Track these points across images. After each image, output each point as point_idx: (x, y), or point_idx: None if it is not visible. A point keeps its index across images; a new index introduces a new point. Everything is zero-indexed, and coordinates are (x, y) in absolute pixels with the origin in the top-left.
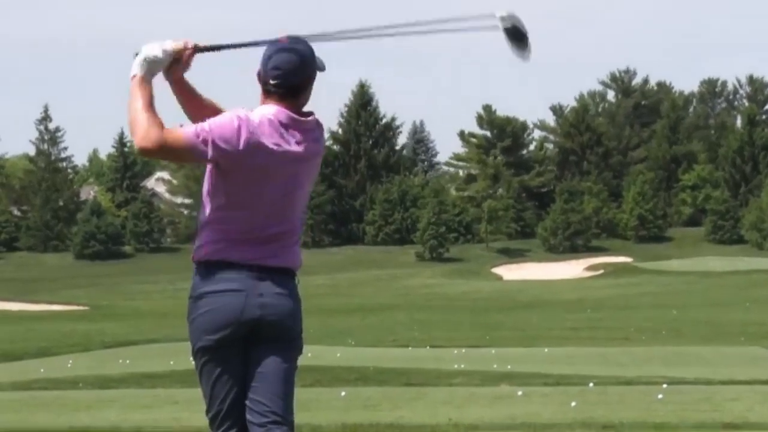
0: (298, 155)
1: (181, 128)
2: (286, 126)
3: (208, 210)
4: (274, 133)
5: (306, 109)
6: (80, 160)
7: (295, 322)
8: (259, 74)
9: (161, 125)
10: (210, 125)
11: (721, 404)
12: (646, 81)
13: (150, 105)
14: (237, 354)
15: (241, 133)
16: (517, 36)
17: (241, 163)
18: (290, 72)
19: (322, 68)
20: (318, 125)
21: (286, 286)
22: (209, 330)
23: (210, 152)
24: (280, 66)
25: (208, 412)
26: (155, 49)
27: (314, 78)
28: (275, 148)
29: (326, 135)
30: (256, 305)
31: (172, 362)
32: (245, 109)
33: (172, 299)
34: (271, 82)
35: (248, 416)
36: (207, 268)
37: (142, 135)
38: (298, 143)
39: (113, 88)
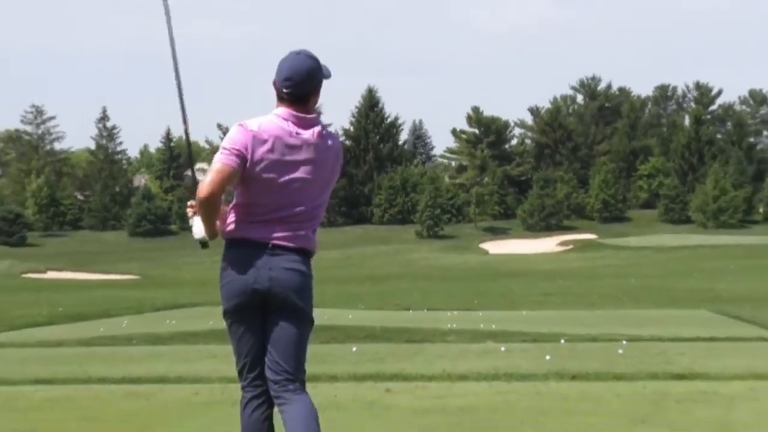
0: (306, 147)
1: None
2: (292, 123)
3: (235, 195)
4: (279, 130)
5: (326, 109)
6: (133, 153)
7: (301, 297)
8: (274, 83)
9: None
10: (223, 145)
11: (671, 358)
12: (609, 86)
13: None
14: (255, 318)
15: (251, 132)
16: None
17: (257, 155)
18: (300, 82)
19: (328, 76)
20: (323, 127)
21: (296, 263)
22: (229, 297)
23: (237, 160)
24: (291, 77)
25: (236, 365)
26: (198, 232)
27: (321, 86)
28: (279, 140)
29: (340, 131)
30: (265, 278)
31: (210, 322)
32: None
33: (211, 270)
34: (285, 90)
35: (266, 373)
36: (231, 244)
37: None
38: (302, 138)
39: (161, 92)
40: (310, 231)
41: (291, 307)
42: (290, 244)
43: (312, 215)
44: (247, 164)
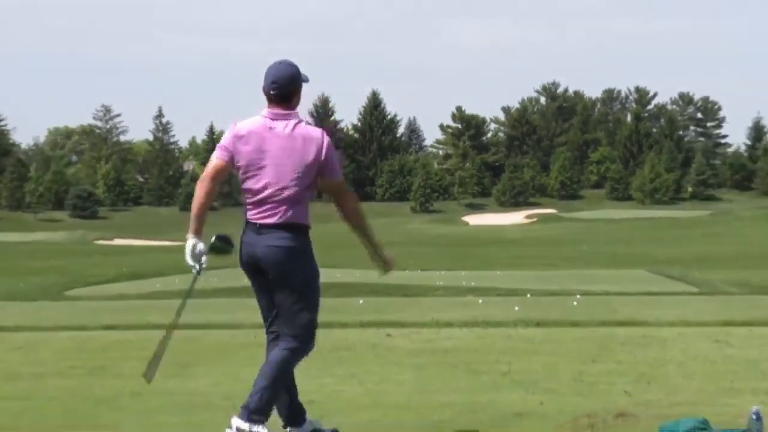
0: (277, 137)
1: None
2: (269, 119)
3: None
4: (263, 126)
5: (338, 108)
6: (183, 143)
7: (288, 266)
8: (263, 88)
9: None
10: (218, 145)
11: (617, 308)
12: (566, 90)
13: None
14: (262, 282)
15: (234, 132)
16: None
17: (239, 150)
18: (285, 84)
19: (306, 80)
20: (298, 122)
21: (280, 239)
22: (241, 266)
23: (226, 155)
24: (277, 80)
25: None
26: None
27: (301, 88)
28: (258, 135)
29: (349, 126)
30: (254, 254)
31: (245, 280)
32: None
33: None
34: (272, 92)
35: (276, 327)
36: (245, 224)
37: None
38: (279, 129)
39: (206, 95)
40: (295, 208)
41: (279, 277)
42: (273, 221)
43: (290, 195)
44: (234, 157)
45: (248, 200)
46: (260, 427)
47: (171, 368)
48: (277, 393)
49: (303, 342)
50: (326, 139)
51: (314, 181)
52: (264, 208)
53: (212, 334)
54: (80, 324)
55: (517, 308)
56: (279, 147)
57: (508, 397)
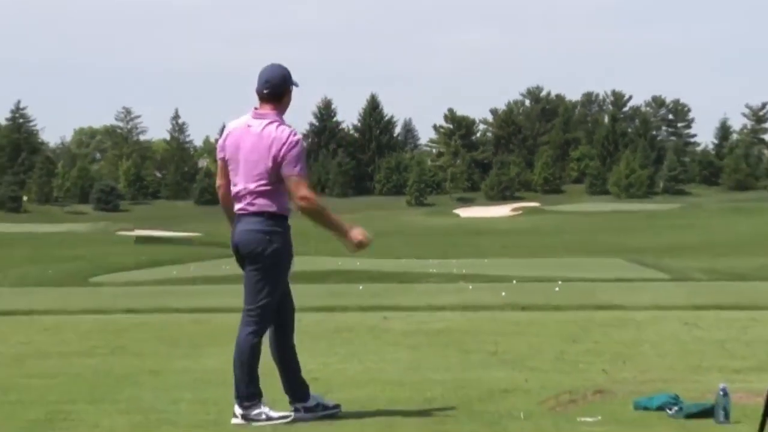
0: (249, 134)
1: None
2: (251, 117)
3: None
4: (242, 124)
5: (340, 110)
6: (198, 142)
7: (256, 248)
8: (257, 89)
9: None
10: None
11: (595, 294)
12: (548, 93)
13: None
14: (244, 266)
15: (225, 131)
16: None
17: (224, 146)
18: (277, 84)
19: (297, 85)
20: (279, 126)
21: (253, 224)
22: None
23: (220, 153)
24: (269, 80)
25: None
26: None
27: (291, 90)
28: (237, 132)
29: (350, 127)
30: (234, 239)
31: None
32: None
33: None
34: (264, 91)
35: None
36: None
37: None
38: (254, 128)
39: (218, 97)
40: (264, 198)
41: (251, 260)
42: (246, 210)
43: (258, 187)
44: (224, 153)
45: (233, 191)
46: (256, 408)
47: (186, 349)
48: (254, 373)
49: (260, 321)
50: (290, 139)
51: (279, 175)
52: (239, 198)
53: (224, 317)
54: (103, 307)
55: (503, 293)
56: (250, 143)
57: (496, 374)
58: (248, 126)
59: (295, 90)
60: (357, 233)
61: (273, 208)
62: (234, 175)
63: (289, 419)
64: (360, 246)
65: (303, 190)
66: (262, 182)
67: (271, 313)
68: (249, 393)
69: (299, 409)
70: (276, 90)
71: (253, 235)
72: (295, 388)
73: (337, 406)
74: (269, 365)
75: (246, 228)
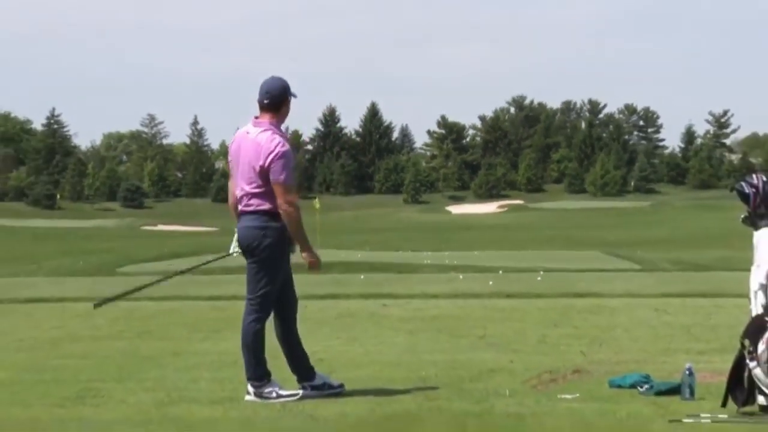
0: (247, 141)
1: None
2: (251, 125)
3: None
4: (244, 131)
5: (343, 117)
6: (215, 145)
7: (254, 242)
8: (258, 99)
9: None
10: None
11: (574, 283)
12: (531, 101)
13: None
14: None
15: (232, 138)
16: None
17: (230, 151)
18: (277, 95)
19: (295, 96)
20: (271, 135)
21: (252, 221)
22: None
23: (229, 157)
24: (270, 90)
25: None
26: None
27: (290, 100)
28: (239, 139)
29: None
30: (239, 235)
31: None
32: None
33: None
34: (265, 101)
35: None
36: None
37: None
38: (251, 135)
39: (234, 104)
40: (259, 198)
41: (250, 253)
42: (245, 209)
43: (253, 188)
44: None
45: (236, 193)
46: (267, 387)
47: (205, 333)
48: (261, 356)
49: (260, 309)
50: (277, 149)
51: (268, 178)
52: (240, 199)
53: (239, 304)
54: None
55: (491, 283)
56: (246, 149)
57: (484, 356)
58: (247, 133)
59: (297, 100)
60: (313, 258)
61: (267, 206)
62: (236, 177)
63: (297, 396)
64: (311, 267)
65: (286, 197)
66: (255, 184)
67: (272, 302)
68: (258, 374)
69: (306, 387)
70: (275, 100)
71: (251, 231)
72: (301, 369)
73: (341, 385)
74: (277, 348)
75: (245, 225)
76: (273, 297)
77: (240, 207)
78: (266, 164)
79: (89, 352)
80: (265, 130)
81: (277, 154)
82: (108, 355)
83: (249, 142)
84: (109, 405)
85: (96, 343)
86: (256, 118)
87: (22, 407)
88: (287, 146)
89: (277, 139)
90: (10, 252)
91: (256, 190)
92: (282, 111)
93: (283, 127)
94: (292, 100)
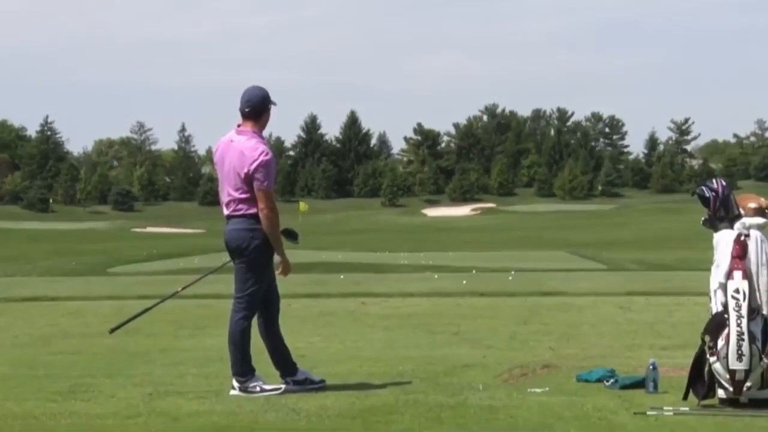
0: (231, 148)
1: None
2: (234, 133)
3: None
4: (227, 139)
5: (324, 124)
6: (201, 151)
7: (240, 245)
8: (240, 108)
9: None
10: None
11: (543, 281)
12: (503, 110)
13: None
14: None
15: (215, 146)
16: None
17: (215, 159)
18: (257, 103)
19: (275, 104)
20: (254, 142)
21: (236, 224)
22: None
23: (215, 164)
24: (250, 99)
25: None
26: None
27: (269, 108)
28: (223, 146)
29: (332, 139)
30: (225, 238)
31: None
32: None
33: None
34: (246, 109)
35: None
36: None
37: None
38: (235, 142)
39: (221, 112)
40: (243, 203)
41: (238, 254)
42: (230, 213)
43: (237, 194)
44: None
45: (222, 199)
46: (251, 382)
47: (191, 330)
48: (247, 352)
49: (247, 307)
50: (259, 158)
51: (251, 184)
52: (227, 204)
53: (224, 303)
54: (119, 294)
55: (464, 282)
56: (231, 156)
57: (458, 351)
58: (231, 141)
59: (280, 108)
60: (285, 265)
61: (253, 210)
62: (222, 183)
63: (280, 391)
64: (285, 271)
65: (266, 202)
66: (241, 190)
67: (258, 300)
68: (243, 370)
69: (289, 382)
70: (255, 108)
71: (238, 233)
72: (284, 365)
73: (322, 381)
74: (262, 344)
75: (232, 227)
76: (260, 296)
77: (227, 211)
78: (250, 171)
79: (80, 349)
80: (249, 138)
81: (261, 162)
82: (98, 352)
83: (233, 150)
84: (100, 399)
85: (87, 340)
86: (239, 125)
87: (16, 401)
88: (270, 155)
89: (261, 147)
90: (5, 253)
91: (243, 196)
92: (263, 119)
93: (265, 133)
94: (273, 108)
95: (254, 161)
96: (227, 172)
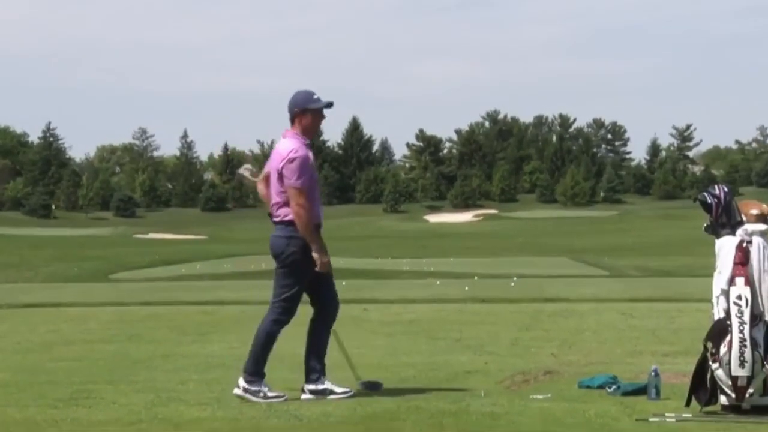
0: (273, 152)
1: None
2: (282, 137)
3: None
4: (278, 143)
5: (326, 130)
6: (203, 158)
7: (278, 252)
8: None
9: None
10: None
11: (544, 287)
12: (505, 116)
13: None
14: None
15: None
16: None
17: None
18: (290, 107)
19: (312, 108)
20: (288, 142)
21: (277, 231)
22: None
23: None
24: (289, 104)
25: None
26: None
27: (307, 111)
28: (274, 150)
29: (335, 145)
30: (270, 242)
31: (252, 266)
32: None
33: (257, 231)
34: (288, 113)
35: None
36: None
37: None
38: (277, 146)
39: (221, 118)
40: (284, 208)
41: (276, 260)
42: (276, 219)
43: (279, 197)
44: None
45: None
46: (257, 385)
47: (193, 336)
48: (265, 356)
49: (282, 313)
50: (288, 155)
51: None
52: (271, 207)
53: (226, 309)
54: (121, 300)
55: (466, 288)
56: (272, 159)
57: (460, 358)
58: (277, 144)
59: (285, 114)
60: (323, 260)
61: (291, 216)
62: (270, 188)
63: (282, 398)
64: (324, 267)
65: (295, 199)
66: (280, 192)
67: (294, 307)
68: (254, 370)
69: (304, 391)
70: (290, 111)
71: (276, 240)
72: (308, 368)
73: (347, 391)
74: (281, 353)
75: (273, 234)
76: (296, 303)
77: (272, 216)
78: (281, 170)
79: (82, 355)
80: (287, 140)
81: (288, 159)
82: (100, 358)
83: (274, 153)
84: (101, 406)
85: (88, 346)
86: (287, 130)
87: (18, 408)
88: (301, 152)
89: (292, 146)
90: (7, 259)
91: (280, 200)
92: (302, 121)
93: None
94: (326, 112)
95: (283, 159)
96: (272, 176)
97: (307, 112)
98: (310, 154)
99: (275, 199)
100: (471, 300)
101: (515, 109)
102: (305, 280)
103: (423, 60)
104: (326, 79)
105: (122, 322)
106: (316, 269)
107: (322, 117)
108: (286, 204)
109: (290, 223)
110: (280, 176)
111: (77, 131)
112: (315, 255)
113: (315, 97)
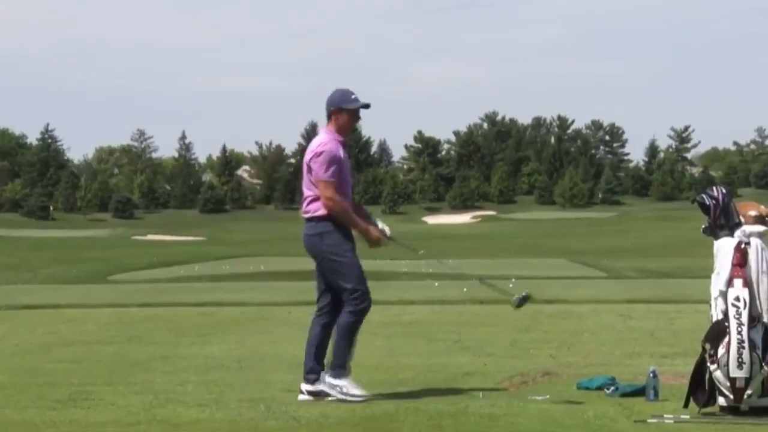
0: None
1: None
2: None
3: None
4: None
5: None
6: (202, 159)
7: (315, 250)
8: None
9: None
10: None
11: (543, 289)
12: (503, 117)
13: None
14: (316, 265)
15: None
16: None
17: None
18: (326, 107)
19: (346, 107)
20: (319, 137)
21: (307, 229)
22: None
23: None
24: (326, 102)
25: None
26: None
27: (341, 110)
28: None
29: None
30: (303, 241)
31: (251, 267)
32: None
33: (256, 232)
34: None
35: (321, 302)
36: None
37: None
38: (311, 143)
39: (219, 120)
40: (313, 204)
41: (316, 259)
42: (306, 216)
43: (308, 193)
44: None
45: None
46: (343, 380)
47: (192, 338)
48: (351, 348)
49: (355, 305)
50: (316, 149)
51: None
52: (301, 203)
53: (225, 310)
54: (120, 302)
55: (465, 290)
56: (306, 154)
57: (459, 359)
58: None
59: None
60: (374, 233)
61: (321, 212)
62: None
63: (365, 398)
64: (376, 243)
65: (327, 192)
66: (309, 186)
67: (365, 292)
68: (343, 363)
69: (303, 391)
70: (327, 111)
71: (309, 239)
72: (307, 368)
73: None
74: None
75: (305, 233)
76: (363, 287)
77: (302, 213)
78: (309, 164)
79: (81, 357)
80: (317, 136)
81: (316, 153)
82: (99, 360)
83: (307, 150)
84: (100, 407)
85: (87, 347)
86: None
87: (16, 409)
88: (328, 146)
89: (321, 139)
90: (6, 261)
91: (310, 194)
92: (337, 121)
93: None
94: (363, 111)
95: (312, 153)
96: (303, 171)
97: (342, 112)
98: (341, 150)
99: (306, 193)
100: (469, 301)
101: (514, 111)
102: (355, 262)
103: (421, 62)
104: (325, 80)
105: (121, 323)
106: (370, 246)
107: (358, 117)
108: (314, 200)
109: (320, 218)
110: (309, 170)
111: (76, 133)
112: (373, 232)
113: (353, 97)
